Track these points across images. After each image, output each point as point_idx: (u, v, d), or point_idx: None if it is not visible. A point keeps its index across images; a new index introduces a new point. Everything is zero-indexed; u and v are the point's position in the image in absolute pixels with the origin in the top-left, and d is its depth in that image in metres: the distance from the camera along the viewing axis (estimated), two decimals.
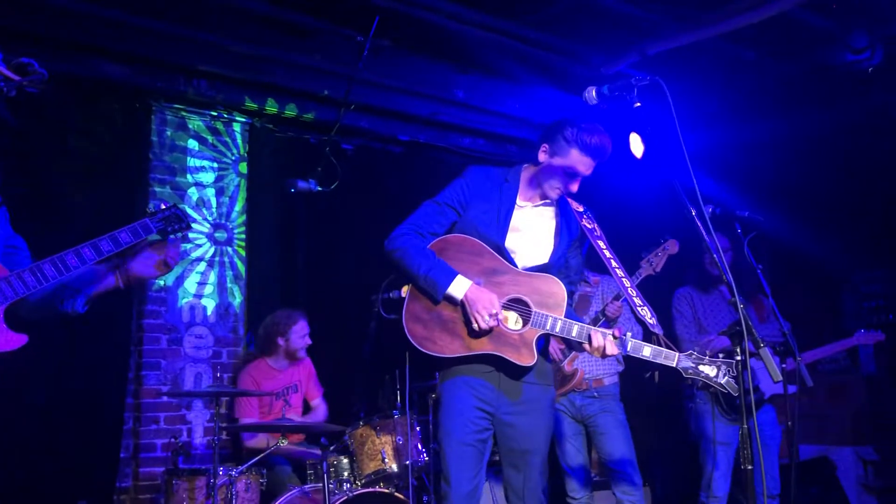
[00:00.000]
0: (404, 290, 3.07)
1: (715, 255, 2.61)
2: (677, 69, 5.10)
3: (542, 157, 3.08)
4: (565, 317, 2.94)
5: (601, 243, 3.14)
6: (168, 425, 5.03)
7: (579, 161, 3.00)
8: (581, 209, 3.21)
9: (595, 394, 4.54)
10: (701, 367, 2.88)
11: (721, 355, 2.91)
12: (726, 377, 2.85)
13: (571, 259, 3.22)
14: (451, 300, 2.94)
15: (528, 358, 2.92)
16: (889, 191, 6.18)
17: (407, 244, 2.99)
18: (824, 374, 6.67)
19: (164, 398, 5.02)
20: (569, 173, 3.02)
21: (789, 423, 3.97)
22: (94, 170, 4.95)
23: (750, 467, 2.52)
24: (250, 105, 5.34)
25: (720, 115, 5.73)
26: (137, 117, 5.18)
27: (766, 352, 2.53)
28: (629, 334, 2.94)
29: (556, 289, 2.98)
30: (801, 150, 5.96)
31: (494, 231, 3.05)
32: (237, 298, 5.43)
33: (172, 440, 4.62)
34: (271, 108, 5.40)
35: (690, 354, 2.91)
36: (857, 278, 7.12)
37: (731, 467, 4.54)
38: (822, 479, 6.00)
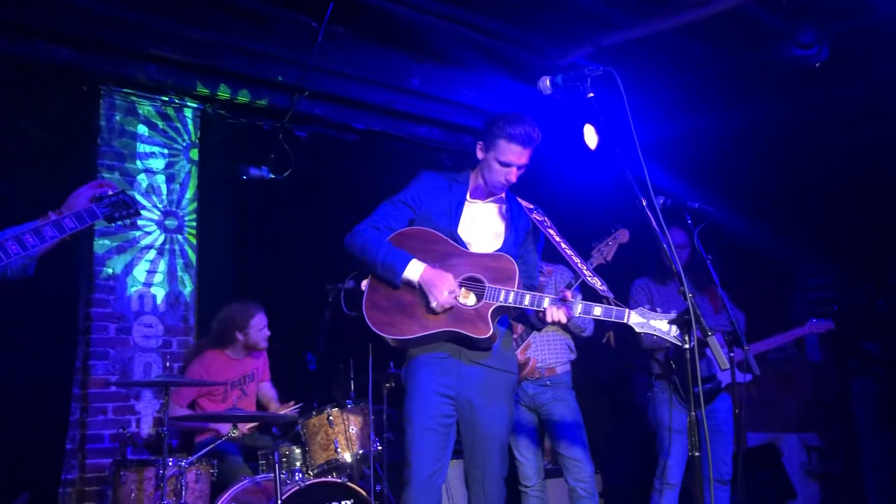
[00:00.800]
0: (363, 284, 3.18)
1: (665, 246, 2.64)
2: (631, 61, 5.13)
3: (479, 154, 3.26)
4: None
5: (552, 231, 3.27)
6: (116, 416, 4.94)
7: (508, 150, 3.15)
8: (531, 206, 3.35)
9: (548, 382, 4.57)
10: (652, 322, 2.91)
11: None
12: (678, 332, 2.79)
13: (527, 255, 3.34)
14: (408, 283, 3.07)
15: (483, 329, 3.03)
16: (835, 184, 6.33)
17: (364, 237, 3.14)
18: (772, 362, 6.82)
19: (113, 388, 4.92)
20: (503, 163, 3.17)
21: (737, 410, 4.05)
22: (40, 154, 4.82)
23: (697, 454, 2.56)
24: (202, 90, 5.25)
25: (672, 107, 5.80)
26: (85, 101, 5.06)
27: (713, 340, 2.57)
28: (579, 297, 3.08)
29: (508, 264, 3.11)
30: (749, 143, 6.06)
31: (447, 221, 3.22)
32: (188, 287, 5.35)
33: (121, 431, 4.56)
34: (224, 93, 5.31)
35: (641, 310, 2.94)
36: (804, 270, 7.29)
37: (686, 455, 4.62)
38: (770, 465, 6.14)
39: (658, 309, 2.95)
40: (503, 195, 3.35)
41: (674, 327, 2.85)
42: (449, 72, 5.61)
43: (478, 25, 4.96)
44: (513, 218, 3.32)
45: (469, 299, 3.10)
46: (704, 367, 4.59)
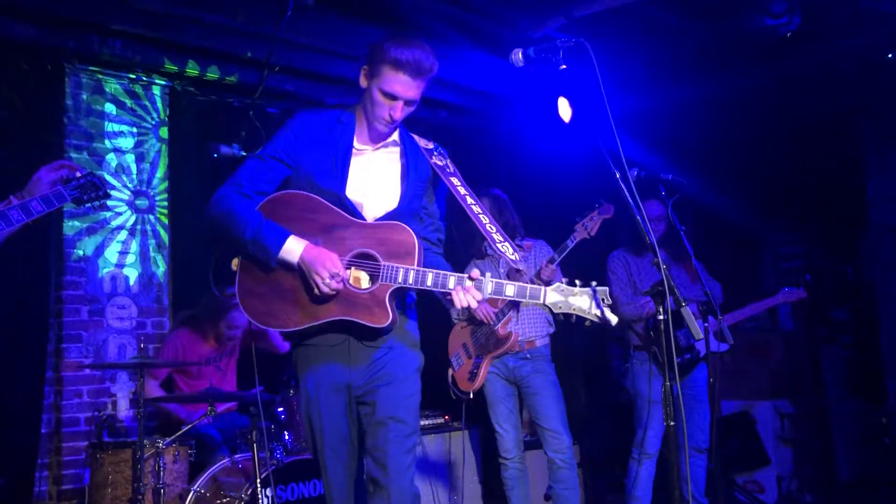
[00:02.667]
0: (234, 264, 2.69)
1: (638, 217, 2.65)
2: (603, 32, 5.11)
3: (362, 81, 2.72)
4: (422, 266, 2.62)
5: (455, 180, 2.84)
6: (91, 398, 4.90)
7: (394, 79, 2.63)
8: (431, 146, 2.91)
9: (528, 355, 4.58)
10: (571, 300, 2.56)
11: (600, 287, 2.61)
12: (599, 308, 2.57)
13: (430, 206, 2.91)
14: (286, 265, 2.60)
15: (382, 318, 2.59)
16: (805, 153, 6.39)
17: (229, 206, 2.62)
18: (745, 331, 6.91)
19: (87, 371, 4.88)
20: (387, 95, 2.65)
21: (711, 380, 4.10)
22: (4, 134, 4.72)
23: (672, 423, 2.58)
24: (170, 67, 5.16)
25: (644, 78, 5.80)
26: (50, 79, 4.95)
27: (687, 311, 2.59)
28: (488, 275, 2.62)
29: (405, 236, 2.62)
30: (720, 113, 6.09)
31: (333, 181, 2.70)
32: (161, 267, 5.30)
33: (96, 413, 4.52)
34: (192, 70, 5.22)
35: (558, 287, 2.57)
36: (774, 239, 7.38)
37: (663, 426, 4.65)
38: (743, 433, 6.23)
39: (577, 282, 2.58)
40: (397, 137, 2.83)
41: (593, 304, 2.56)
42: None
43: None
44: (409, 165, 2.81)
45: (362, 281, 2.65)
46: (683, 338, 4.62)
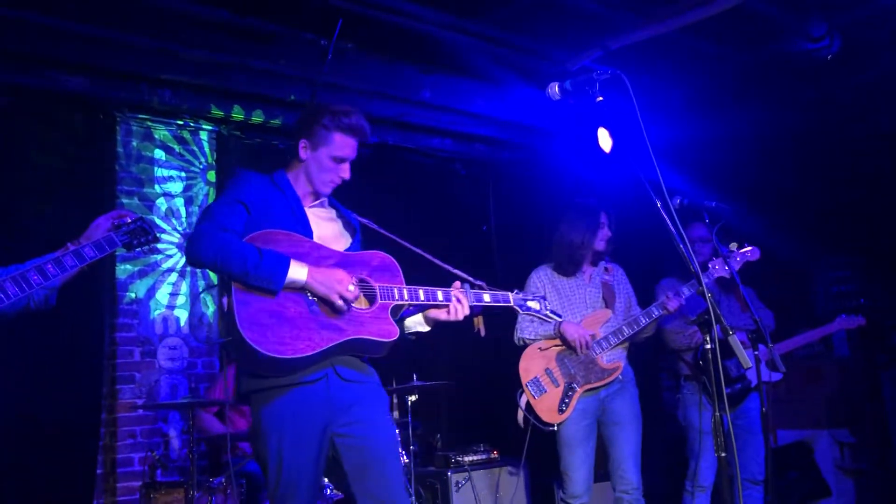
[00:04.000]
0: (224, 302, 2.65)
1: (681, 246, 2.63)
2: (640, 63, 5.13)
3: (303, 153, 2.88)
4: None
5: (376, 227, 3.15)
6: (144, 439, 4.98)
7: (344, 144, 2.86)
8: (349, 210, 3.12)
9: (620, 377, 4.26)
10: (529, 303, 3.03)
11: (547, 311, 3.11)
12: (548, 310, 3.05)
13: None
14: (292, 288, 2.61)
15: (391, 332, 2.74)
16: (852, 176, 6.28)
17: (221, 241, 2.58)
18: (799, 359, 6.75)
19: (140, 411, 4.97)
20: (338, 159, 2.86)
21: (764, 409, 4.01)
22: (57, 184, 4.88)
23: (724, 454, 2.54)
24: (216, 112, 5.30)
25: (684, 107, 5.78)
26: (101, 129, 5.12)
27: (734, 339, 2.56)
28: (467, 284, 2.91)
29: (386, 260, 2.86)
30: (762, 139, 6.03)
31: (298, 228, 2.80)
32: (210, 308, 5.39)
33: (149, 454, 4.58)
34: (238, 114, 5.36)
35: (517, 293, 3.03)
36: (825, 264, 7.23)
37: (716, 457, 4.54)
38: (801, 464, 6.07)
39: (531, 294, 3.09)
40: (325, 199, 2.99)
41: (545, 303, 3.06)
42: (459, 82, 5.63)
43: (485, 34, 4.98)
44: (345, 222, 3.03)
45: (361, 302, 2.76)
46: (733, 367, 4.52)
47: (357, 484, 2.72)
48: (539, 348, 4.23)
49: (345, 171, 2.90)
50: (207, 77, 5.01)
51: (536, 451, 4.57)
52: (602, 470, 4.43)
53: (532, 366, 4.22)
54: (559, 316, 3.19)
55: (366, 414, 2.75)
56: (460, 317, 2.84)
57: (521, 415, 4.16)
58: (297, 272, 2.59)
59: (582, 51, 5.10)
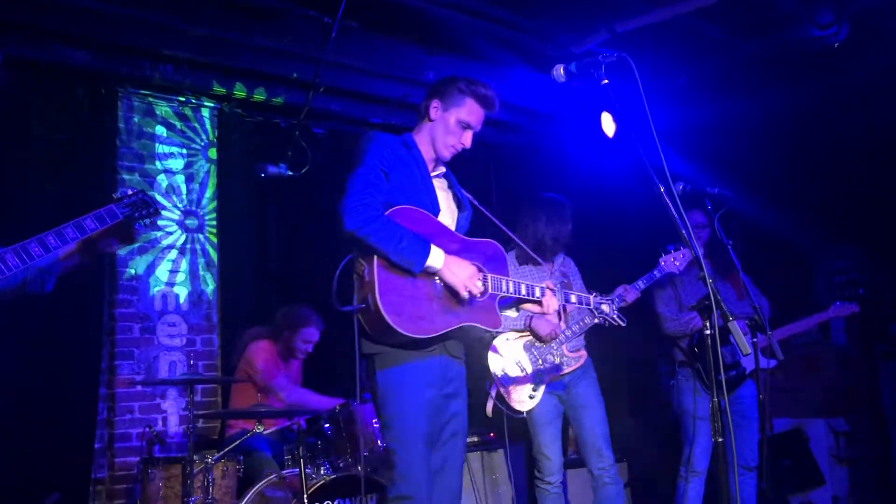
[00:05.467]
0: (366, 271, 2.73)
1: (683, 232, 2.62)
2: (646, 47, 5.10)
3: (434, 113, 3.04)
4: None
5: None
6: (143, 415, 4.99)
7: (474, 110, 3.01)
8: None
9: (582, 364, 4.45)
10: (602, 306, 3.30)
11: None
12: (615, 312, 3.32)
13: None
14: (429, 272, 2.78)
15: (496, 322, 2.95)
16: (857, 166, 6.25)
17: (377, 219, 2.72)
18: (796, 347, 6.76)
19: (139, 388, 4.98)
20: (463, 125, 3.01)
21: (761, 396, 4.02)
22: (58, 157, 4.87)
23: (721, 440, 2.54)
24: (218, 90, 5.27)
25: (690, 92, 5.75)
26: (103, 104, 5.10)
27: (734, 325, 2.55)
28: (558, 285, 3.11)
29: (499, 250, 3.02)
30: (767, 126, 6.00)
31: (425, 197, 2.94)
32: (210, 286, 5.39)
33: (147, 430, 4.60)
34: (240, 92, 5.33)
35: (595, 296, 3.28)
36: (827, 254, 7.22)
37: (711, 442, 4.58)
38: (796, 451, 6.09)
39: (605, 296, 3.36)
40: (443, 168, 3.13)
41: (612, 308, 3.36)
42: (463, 63, 5.59)
43: (491, 15, 4.94)
44: (459, 193, 3.16)
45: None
46: (728, 354, 4.55)
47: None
48: (506, 339, 4.38)
49: (467, 139, 3.03)
50: (210, 53, 4.97)
51: (520, 438, 4.63)
52: (575, 455, 4.54)
53: (501, 357, 4.38)
54: (624, 322, 3.42)
55: (461, 390, 3.01)
56: (551, 311, 3.04)
57: (490, 405, 4.30)
58: (436, 259, 2.75)
59: (588, 34, 5.06)
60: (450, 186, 3.14)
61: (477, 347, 4.15)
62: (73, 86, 4.97)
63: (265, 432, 4.54)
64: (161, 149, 5.30)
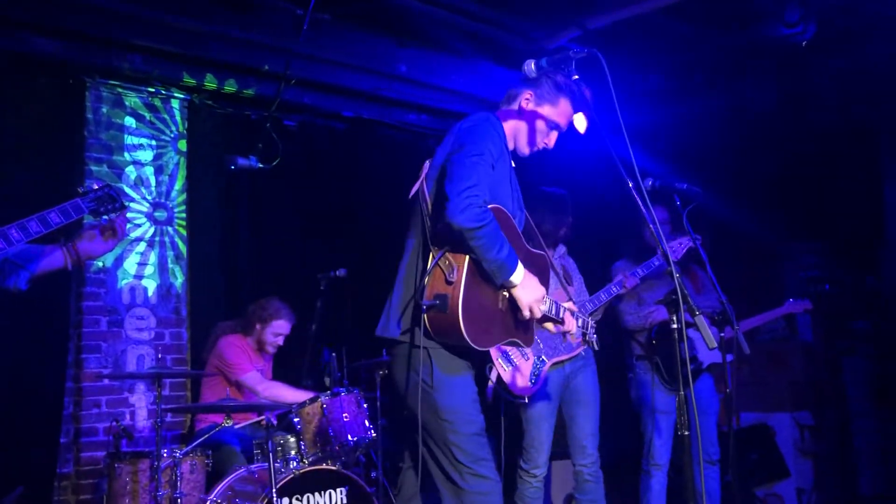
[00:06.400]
0: (455, 275, 2.59)
1: (652, 227, 2.65)
2: (617, 44, 5.13)
3: (525, 104, 2.84)
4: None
5: None
6: (110, 409, 4.94)
7: (567, 112, 2.84)
8: None
9: (583, 353, 4.42)
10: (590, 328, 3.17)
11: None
12: (593, 335, 3.15)
13: None
14: (506, 287, 2.66)
15: (530, 339, 2.87)
16: (823, 163, 6.35)
17: (491, 223, 2.53)
18: (763, 342, 6.85)
19: (106, 381, 4.92)
20: (552, 125, 2.83)
21: (728, 390, 4.07)
22: (25, 148, 4.79)
23: (686, 433, 2.57)
24: (188, 81, 5.22)
25: (660, 89, 5.80)
26: (71, 94, 5.03)
27: (701, 319, 2.58)
28: (573, 303, 3.05)
29: (546, 265, 2.92)
30: (737, 123, 6.07)
31: (511, 199, 2.79)
32: (179, 279, 5.34)
33: (114, 423, 4.55)
34: (210, 83, 5.29)
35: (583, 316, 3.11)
36: (795, 251, 7.32)
37: (671, 435, 4.64)
38: (762, 445, 6.18)
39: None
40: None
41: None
42: (435, 57, 5.60)
43: (464, 9, 4.94)
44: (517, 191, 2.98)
45: None
46: (685, 349, 4.60)
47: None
48: None
49: (551, 140, 2.87)
50: (180, 44, 4.93)
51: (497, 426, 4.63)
52: (560, 448, 4.55)
53: None
54: (596, 347, 3.32)
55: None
56: (571, 331, 2.93)
57: (490, 389, 4.21)
58: (517, 276, 2.61)
59: (560, 30, 5.08)
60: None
61: None
62: (40, 75, 4.89)
63: (235, 426, 4.54)
64: (130, 140, 5.23)
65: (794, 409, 6.38)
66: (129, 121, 5.23)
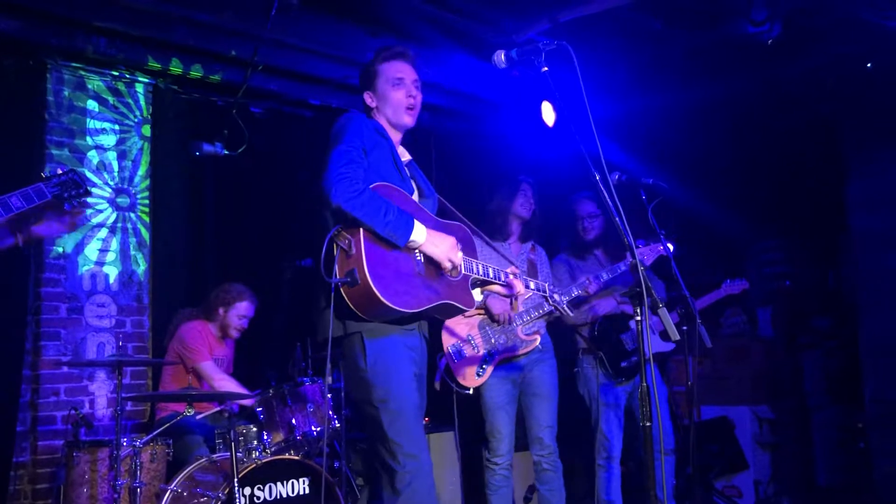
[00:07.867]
0: (353, 244, 2.68)
1: (617, 220, 2.66)
2: (587, 37, 5.14)
3: (370, 101, 3.10)
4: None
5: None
6: (68, 397, 4.85)
7: (394, 68, 3.06)
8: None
9: (540, 347, 4.50)
10: (555, 296, 3.43)
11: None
12: (563, 303, 3.44)
13: None
14: (411, 246, 2.78)
15: (471, 303, 2.98)
16: (786, 161, 6.44)
17: (364, 192, 2.71)
18: (724, 338, 6.95)
19: (65, 369, 4.84)
20: (397, 81, 3.04)
21: (689, 383, 4.12)
22: None
23: (648, 424, 2.60)
24: (153, 65, 5.13)
25: (628, 83, 5.83)
26: (31, 75, 4.91)
27: (664, 312, 2.60)
28: (518, 270, 3.16)
29: (467, 234, 3.07)
30: (703, 119, 6.13)
31: (399, 177, 2.96)
32: (141, 266, 5.26)
33: (72, 412, 4.48)
34: (176, 68, 5.20)
35: (551, 286, 3.46)
36: (757, 246, 7.43)
37: (621, 427, 4.68)
38: (722, 437, 6.27)
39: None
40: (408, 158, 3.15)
41: (565, 299, 3.50)
42: (405, 47, 5.56)
43: None
44: (423, 181, 3.15)
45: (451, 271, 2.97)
46: (629, 340, 4.65)
47: None
48: (462, 315, 4.30)
49: (412, 89, 3.05)
50: (145, 27, 4.83)
51: (465, 418, 4.66)
52: (522, 440, 4.61)
53: (454, 332, 4.42)
54: (571, 313, 3.56)
55: (424, 372, 3.02)
56: (516, 292, 3.09)
57: (438, 378, 4.35)
58: (419, 233, 2.76)
59: (530, 22, 5.08)
60: (412, 175, 3.11)
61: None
62: (0, 56, 4.78)
63: (197, 416, 4.49)
64: (92, 124, 5.13)
65: (754, 403, 6.49)
66: (92, 104, 5.13)
